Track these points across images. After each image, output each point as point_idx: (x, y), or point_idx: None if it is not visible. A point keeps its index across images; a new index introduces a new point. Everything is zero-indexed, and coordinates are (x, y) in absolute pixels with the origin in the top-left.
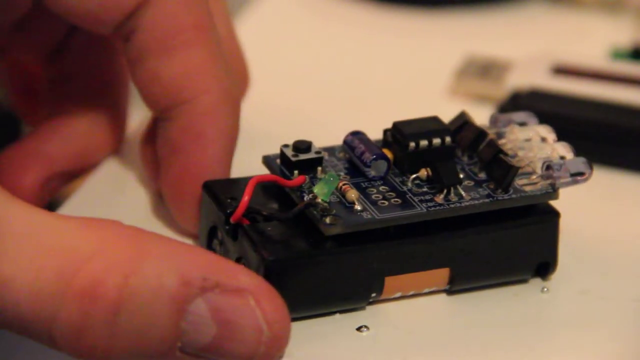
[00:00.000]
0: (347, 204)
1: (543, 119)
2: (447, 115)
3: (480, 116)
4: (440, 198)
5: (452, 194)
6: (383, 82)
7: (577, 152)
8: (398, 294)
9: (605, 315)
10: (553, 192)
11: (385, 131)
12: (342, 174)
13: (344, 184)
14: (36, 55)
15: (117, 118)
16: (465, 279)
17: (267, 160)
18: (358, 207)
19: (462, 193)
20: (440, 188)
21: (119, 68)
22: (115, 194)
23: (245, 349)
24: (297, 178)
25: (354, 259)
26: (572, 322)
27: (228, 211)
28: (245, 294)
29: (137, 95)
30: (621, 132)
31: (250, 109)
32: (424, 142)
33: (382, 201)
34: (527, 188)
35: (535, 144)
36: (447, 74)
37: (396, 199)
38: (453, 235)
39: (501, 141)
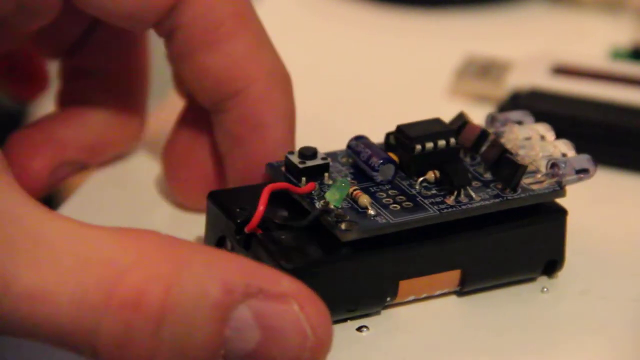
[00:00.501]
0: (359, 210)
1: (543, 119)
2: (447, 115)
3: (481, 116)
4: (451, 200)
5: (462, 195)
6: (383, 82)
7: (577, 152)
8: (411, 297)
9: (605, 315)
10: (560, 190)
11: (388, 134)
12: (348, 179)
13: (354, 190)
14: (55, 50)
15: (135, 114)
16: (476, 279)
17: (272, 168)
18: (371, 212)
19: (472, 194)
20: (451, 190)
21: (140, 65)
22: (116, 192)
23: (289, 355)
24: (308, 185)
25: (369, 264)
26: (572, 322)
27: (239, 221)
28: (288, 299)
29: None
30: (621, 132)
31: None
32: (429, 145)
33: (394, 205)
34: (534, 187)
35: (535, 142)
36: (447, 74)
37: (407, 203)
38: (464, 236)
39: (501, 140)
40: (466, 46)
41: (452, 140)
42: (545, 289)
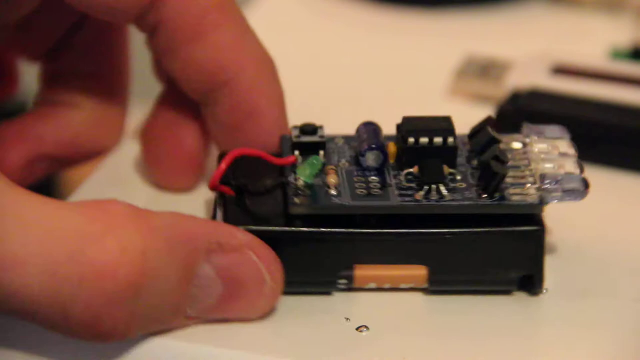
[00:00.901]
0: (326, 188)
1: (543, 119)
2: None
3: (481, 116)
4: (420, 195)
5: (433, 192)
6: (383, 82)
7: (579, 154)
8: (371, 285)
9: (605, 315)
10: (537, 205)
11: (398, 125)
12: (344, 161)
13: (331, 169)
14: (35, 52)
15: (115, 115)
16: (444, 280)
17: (283, 140)
18: (333, 192)
19: (444, 192)
20: (421, 185)
21: (122, 67)
22: (115, 192)
23: (248, 303)
24: (287, 158)
25: (320, 241)
26: (572, 322)
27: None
28: (245, 250)
29: (135, 95)
30: (621, 132)
31: None
32: (424, 140)
33: (362, 190)
34: (516, 198)
35: (549, 157)
36: (447, 74)
37: (378, 190)
38: (430, 233)
39: (521, 150)
40: (466, 46)
41: (451, 139)
42: (545, 290)
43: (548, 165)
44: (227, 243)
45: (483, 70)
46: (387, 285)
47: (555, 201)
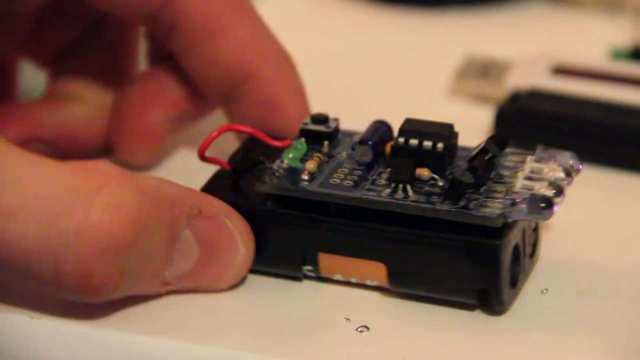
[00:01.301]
0: (301, 173)
1: (543, 119)
2: (447, 115)
3: (481, 116)
4: (385, 192)
5: (399, 191)
6: (383, 83)
7: (579, 154)
8: (338, 276)
9: (605, 315)
10: (494, 218)
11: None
12: (344, 153)
13: (315, 156)
14: (44, 56)
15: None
16: (402, 281)
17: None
18: (305, 177)
19: (410, 192)
20: (389, 182)
21: (131, 67)
22: None
23: (220, 270)
24: (283, 141)
25: (285, 223)
26: (572, 322)
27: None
28: (223, 218)
29: None
30: (621, 132)
31: None
32: (414, 141)
33: (336, 180)
34: (483, 209)
35: (534, 175)
36: (447, 74)
37: (350, 182)
38: (385, 230)
39: (516, 166)
40: (466, 46)
41: (440, 145)
42: (544, 290)
43: (521, 183)
44: (206, 209)
45: (483, 70)
46: (353, 280)
47: (521, 218)
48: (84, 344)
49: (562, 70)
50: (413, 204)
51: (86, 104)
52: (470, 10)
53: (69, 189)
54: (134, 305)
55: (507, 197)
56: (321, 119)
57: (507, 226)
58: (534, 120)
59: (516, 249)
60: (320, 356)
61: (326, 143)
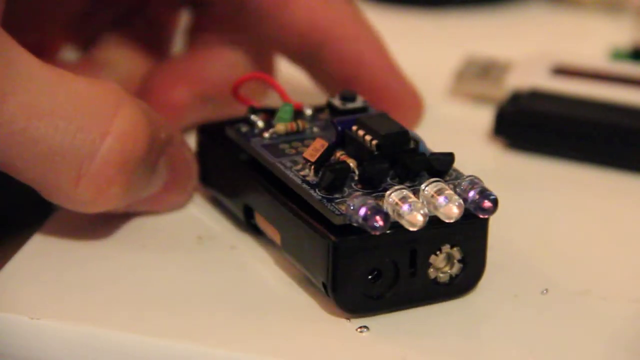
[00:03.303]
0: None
1: (543, 119)
2: (447, 115)
3: (481, 116)
4: (299, 167)
5: (306, 169)
6: None
7: (579, 154)
8: (269, 234)
9: (605, 315)
10: (336, 215)
11: None
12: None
13: (291, 123)
14: (84, 41)
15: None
16: (288, 250)
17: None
18: (266, 135)
19: (310, 172)
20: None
21: (163, 51)
22: None
23: (174, 197)
24: (295, 103)
25: (240, 174)
26: (572, 322)
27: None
28: (184, 147)
29: None
30: (621, 132)
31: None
32: (355, 128)
33: (284, 145)
34: (338, 203)
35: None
36: (447, 75)
37: (293, 150)
38: (280, 198)
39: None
40: (466, 46)
41: (368, 137)
42: (545, 291)
43: (391, 198)
44: (174, 137)
45: (483, 70)
46: (274, 240)
47: (355, 223)
48: (84, 344)
49: (562, 71)
50: (297, 180)
51: (116, 72)
52: (470, 10)
53: (94, 98)
54: (134, 305)
55: (366, 203)
56: (348, 96)
57: (364, 232)
58: (534, 121)
59: (392, 264)
60: (320, 356)
61: (309, 112)
